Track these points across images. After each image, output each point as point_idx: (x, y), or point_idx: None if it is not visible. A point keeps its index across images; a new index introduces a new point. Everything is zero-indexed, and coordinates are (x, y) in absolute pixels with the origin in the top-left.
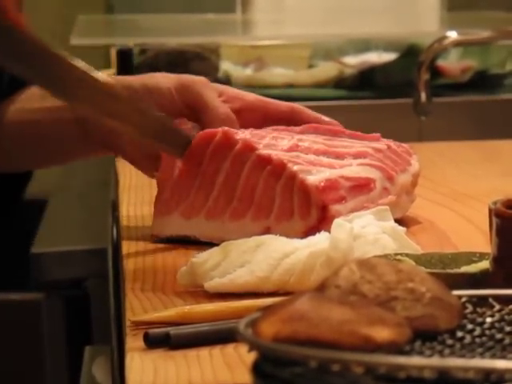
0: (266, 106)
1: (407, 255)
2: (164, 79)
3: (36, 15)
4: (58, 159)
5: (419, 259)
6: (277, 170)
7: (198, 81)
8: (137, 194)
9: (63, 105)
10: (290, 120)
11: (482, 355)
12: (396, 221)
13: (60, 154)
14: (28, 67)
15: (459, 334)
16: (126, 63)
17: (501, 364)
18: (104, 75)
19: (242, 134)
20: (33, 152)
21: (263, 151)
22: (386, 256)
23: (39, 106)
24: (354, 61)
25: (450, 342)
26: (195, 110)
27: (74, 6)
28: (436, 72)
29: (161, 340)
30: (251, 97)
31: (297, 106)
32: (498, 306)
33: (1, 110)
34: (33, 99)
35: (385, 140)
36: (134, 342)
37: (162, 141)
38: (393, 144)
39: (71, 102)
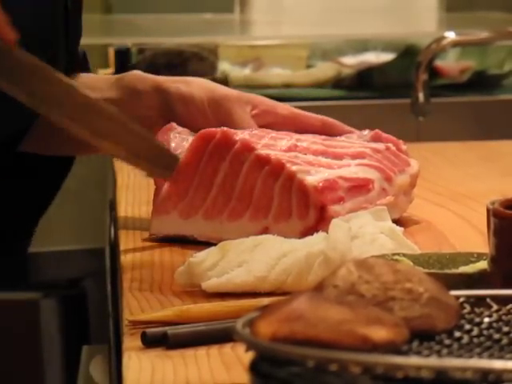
0: (298, 120)
1: (405, 255)
2: (199, 90)
3: None
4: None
5: (417, 259)
6: (275, 170)
7: (232, 96)
8: (134, 193)
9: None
10: (322, 133)
11: (479, 355)
12: (394, 221)
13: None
14: (22, 87)
15: (457, 334)
16: (124, 63)
17: (498, 364)
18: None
19: (241, 134)
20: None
21: (262, 151)
22: (383, 256)
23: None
24: (352, 61)
25: (447, 342)
26: (224, 124)
27: None
28: (434, 72)
29: (158, 339)
30: (284, 110)
31: (328, 119)
32: (495, 307)
33: None
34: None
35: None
36: (131, 342)
37: (149, 161)
38: (399, 145)
39: (58, 119)
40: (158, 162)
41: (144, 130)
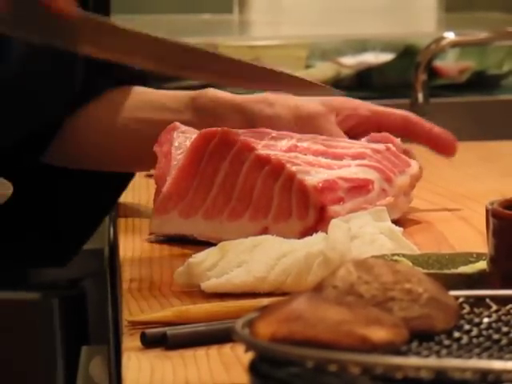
0: (380, 119)
1: (404, 256)
2: (283, 110)
3: None
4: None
5: (416, 260)
6: (275, 171)
7: (317, 113)
8: (134, 193)
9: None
10: (404, 131)
11: (479, 356)
12: (393, 221)
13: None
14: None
15: (456, 334)
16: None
17: (498, 365)
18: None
19: (241, 134)
20: (134, 153)
21: (262, 151)
22: (383, 256)
23: (143, 115)
24: (351, 61)
25: (447, 342)
26: None
27: None
28: (433, 73)
29: (158, 340)
30: (365, 111)
31: (411, 116)
32: (495, 307)
33: (85, 113)
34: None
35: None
36: (130, 342)
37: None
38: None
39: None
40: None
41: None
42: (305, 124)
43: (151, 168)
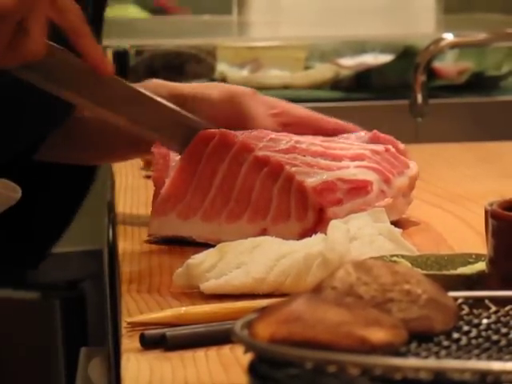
0: (315, 123)
1: (403, 257)
2: (215, 90)
3: None
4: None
5: (415, 261)
6: (274, 172)
7: (248, 93)
8: (133, 194)
9: None
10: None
11: (478, 357)
12: (392, 222)
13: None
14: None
15: (455, 335)
16: (122, 65)
17: (497, 365)
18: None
19: (240, 136)
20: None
21: (261, 152)
22: (382, 257)
23: None
24: (350, 62)
25: (446, 343)
26: (241, 121)
27: None
28: (432, 74)
29: (157, 341)
30: (301, 112)
31: (340, 123)
32: (494, 308)
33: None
34: None
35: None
36: (130, 343)
37: (162, 133)
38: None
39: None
40: (173, 134)
41: (161, 101)
42: (233, 101)
43: (110, 160)
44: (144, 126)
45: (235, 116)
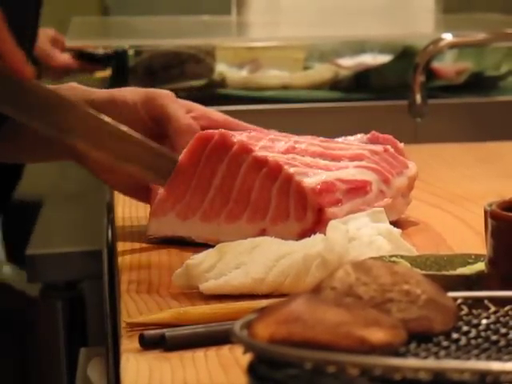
0: (232, 127)
1: (402, 257)
2: (131, 94)
3: None
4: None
5: (414, 261)
6: (273, 172)
7: (164, 94)
8: None
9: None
10: None
11: (477, 357)
12: (391, 223)
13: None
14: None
15: (454, 335)
16: (121, 65)
17: (496, 366)
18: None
19: (239, 136)
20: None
21: (260, 153)
22: (381, 258)
23: None
24: (349, 63)
25: (445, 343)
26: (159, 122)
27: (70, 7)
28: (431, 74)
29: (156, 341)
30: (218, 116)
31: (253, 128)
32: (493, 308)
33: None
34: None
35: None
36: (129, 344)
37: (143, 167)
38: (395, 146)
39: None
40: (153, 168)
41: (137, 135)
42: (150, 103)
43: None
44: (122, 161)
45: (157, 118)
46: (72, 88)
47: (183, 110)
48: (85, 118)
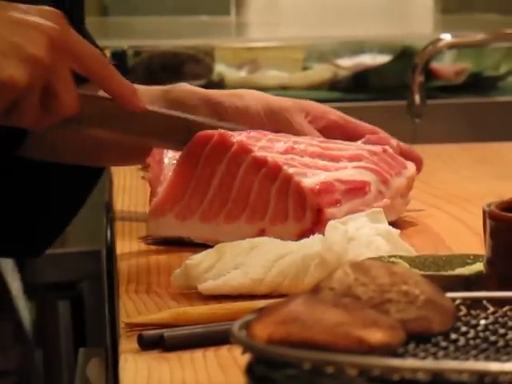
0: (348, 126)
1: (401, 257)
2: (253, 101)
3: None
4: None
5: (413, 261)
6: (272, 173)
7: (287, 106)
8: (131, 195)
9: None
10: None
11: (475, 357)
12: (390, 223)
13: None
14: None
15: (453, 336)
16: (121, 65)
17: (495, 366)
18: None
19: (238, 137)
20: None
21: (259, 153)
22: (379, 258)
23: None
24: (348, 63)
25: (443, 344)
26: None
27: None
28: (430, 74)
29: (155, 342)
30: (334, 115)
31: (377, 130)
32: (492, 309)
33: None
34: None
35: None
36: (128, 344)
37: (159, 138)
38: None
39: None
40: (169, 135)
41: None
42: (275, 117)
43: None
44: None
45: (278, 130)
46: (188, 90)
47: (306, 121)
48: (89, 100)
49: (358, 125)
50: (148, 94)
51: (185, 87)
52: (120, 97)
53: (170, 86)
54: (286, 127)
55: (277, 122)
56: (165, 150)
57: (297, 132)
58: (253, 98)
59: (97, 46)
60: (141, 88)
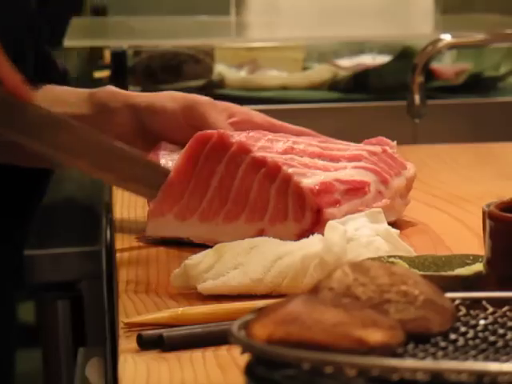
0: (273, 129)
1: (401, 258)
2: (170, 100)
3: None
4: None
5: (413, 262)
6: (271, 173)
7: (204, 101)
8: (130, 195)
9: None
10: None
11: (475, 358)
12: (390, 223)
13: None
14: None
15: (452, 336)
16: (120, 65)
17: (494, 366)
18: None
19: (238, 137)
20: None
21: (258, 153)
22: (379, 258)
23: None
24: (348, 63)
25: (443, 344)
26: (199, 130)
27: None
28: (430, 74)
29: (154, 342)
30: (259, 118)
31: (304, 130)
32: (491, 309)
33: None
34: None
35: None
36: (127, 344)
37: (135, 182)
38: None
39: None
40: (144, 182)
41: (131, 149)
42: (191, 112)
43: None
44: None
45: (197, 127)
46: (111, 92)
47: (224, 118)
48: (81, 136)
49: (285, 127)
50: (75, 95)
51: (109, 89)
52: (6, 82)
53: (96, 89)
54: (201, 122)
55: (193, 118)
56: (161, 151)
57: (212, 127)
58: (170, 98)
59: (58, 69)
60: (71, 89)
